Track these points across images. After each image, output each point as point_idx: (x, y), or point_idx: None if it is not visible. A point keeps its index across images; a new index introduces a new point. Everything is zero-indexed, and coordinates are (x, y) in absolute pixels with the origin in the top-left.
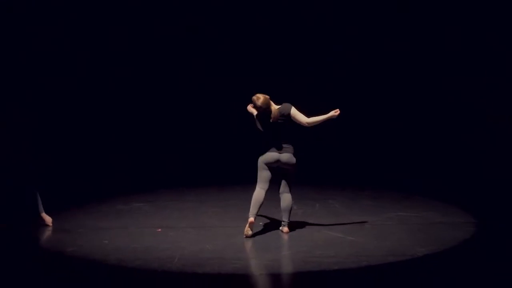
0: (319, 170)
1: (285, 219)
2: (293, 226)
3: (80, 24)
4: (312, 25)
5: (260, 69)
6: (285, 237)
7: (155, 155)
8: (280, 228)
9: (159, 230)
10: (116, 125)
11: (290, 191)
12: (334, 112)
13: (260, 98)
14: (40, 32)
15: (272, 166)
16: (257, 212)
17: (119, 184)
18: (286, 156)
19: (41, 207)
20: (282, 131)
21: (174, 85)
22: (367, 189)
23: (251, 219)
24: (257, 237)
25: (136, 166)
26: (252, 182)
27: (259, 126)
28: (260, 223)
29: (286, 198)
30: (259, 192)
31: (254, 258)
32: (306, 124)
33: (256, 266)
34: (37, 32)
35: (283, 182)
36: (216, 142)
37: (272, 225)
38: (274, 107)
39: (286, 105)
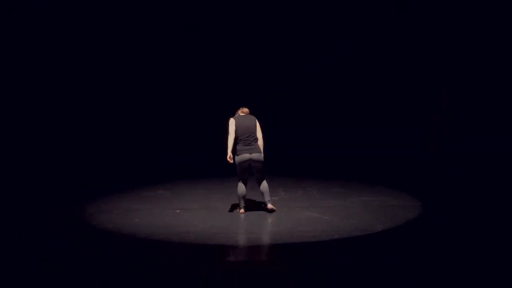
0: (299, 165)
1: (266, 198)
2: (280, 208)
3: (80, 24)
4: (312, 25)
5: (260, 69)
6: (274, 216)
7: (174, 153)
8: (267, 206)
9: (177, 211)
10: (142, 126)
11: (264, 179)
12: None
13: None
14: (40, 32)
15: (246, 164)
16: (244, 202)
17: (146, 175)
18: (256, 155)
19: None
20: (252, 134)
21: (175, 87)
22: (337, 179)
23: (242, 210)
24: (253, 217)
25: (158, 162)
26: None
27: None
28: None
29: (263, 184)
30: (240, 186)
31: (251, 233)
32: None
33: (253, 239)
34: (37, 32)
35: (258, 174)
36: (221, 140)
37: (264, 209)
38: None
39: (252, 116)
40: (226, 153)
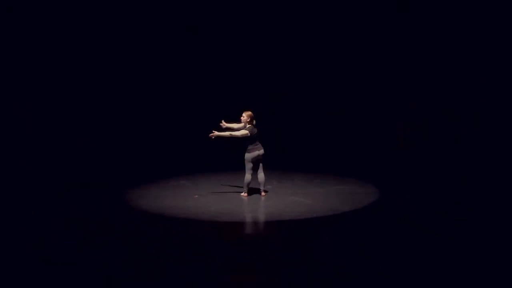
0: (288, 160)
1: (262, 188)
2: (272, 194)
3: (80, 24)
4: (312, 25)
5: (260, 69)
6: (267, 200)
7: (193, 150)
8: (261, 194)
9: (196, 196)
10: (154, 126)
11: (262, 171)
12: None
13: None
14: (40, 32)
15: (255, 158)
16: (248, 189)
17: (171, 169)
18: (262, 151)
19: None
20: (259, 137)
21: (177, 89)
22: (317, 172)
23: (245, 194)
24: (252, 202)
25: (180, 158)
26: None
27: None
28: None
29: (260, 176)
30: (248, 177)
31: (252, 212)
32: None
33: (253, 217)
34: (37, 32)
35: (259, 166)
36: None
37: (260, 196)
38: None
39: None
40: (218, 131)
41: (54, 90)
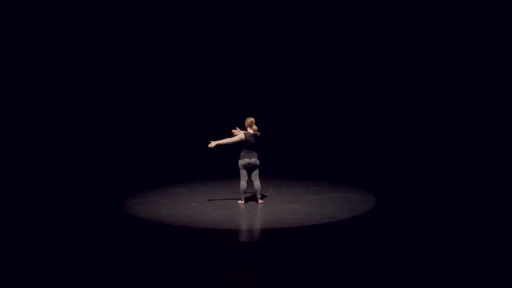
0: (285, 166)
1: (258, 195)
2: (269, 201)
3: (80, 25)
4: (308, 24)
5: (259, 70)
6: (264, 208)
7: (191, 159)
8: (258, 201)
9: (193, 204)
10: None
11: (258, 179)
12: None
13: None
14: (40, 31)
15: (247, 166)
16: (244, 196)
17: (170, 176)
18: (253, 159)
19: None
20: (253, 145)
21: (178, 96)
22: (314, 179)
23: (242, 202)
24: (249, 209)
25: (180, 166)
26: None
27: (244, 141)
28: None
29: (256, 183)
30: (242, 184)
31: (248, 220)
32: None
33: (250, 224)
34: (37, 31)
35: (253, 174)
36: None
37: (257, 203)
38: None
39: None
40: (215, 141)
41: (52, 92)
